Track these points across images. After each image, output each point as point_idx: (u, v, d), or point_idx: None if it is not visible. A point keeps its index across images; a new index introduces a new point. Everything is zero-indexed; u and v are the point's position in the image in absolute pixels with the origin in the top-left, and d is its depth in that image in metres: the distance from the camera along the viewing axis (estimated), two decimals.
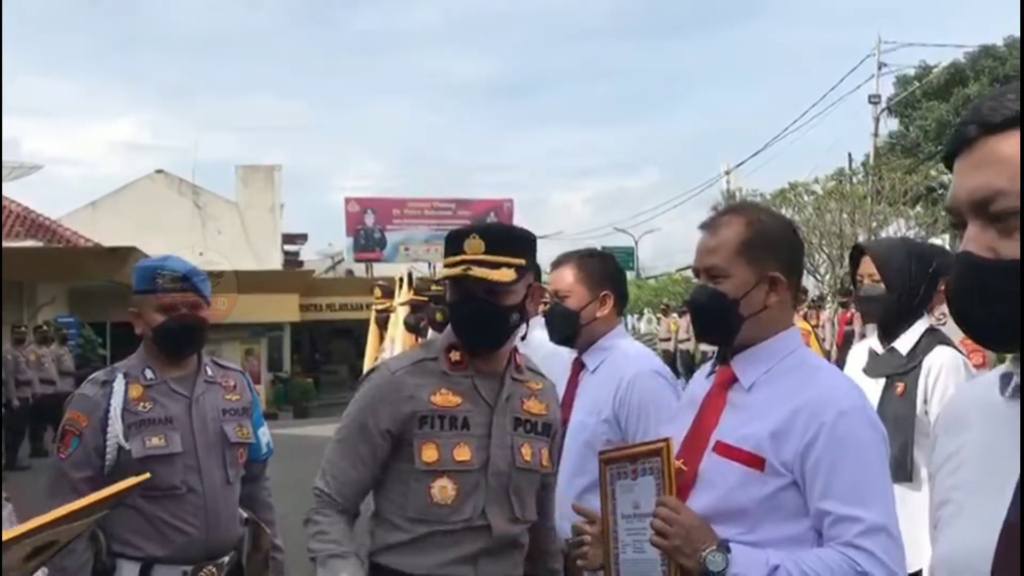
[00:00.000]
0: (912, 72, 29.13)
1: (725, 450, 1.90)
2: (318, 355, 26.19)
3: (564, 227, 68.22)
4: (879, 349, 3.02)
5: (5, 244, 16.59)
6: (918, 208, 23.25)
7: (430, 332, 5.80)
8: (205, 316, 2.86)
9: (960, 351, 2.93)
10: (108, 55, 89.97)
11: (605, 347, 2.88)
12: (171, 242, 25.03)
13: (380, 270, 27.28)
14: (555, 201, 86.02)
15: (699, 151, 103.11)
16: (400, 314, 6.95)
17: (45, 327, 14.40)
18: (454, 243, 2.23)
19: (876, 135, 27.15)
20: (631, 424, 2.69)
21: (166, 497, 2.67)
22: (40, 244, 17.76)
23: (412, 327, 6.22)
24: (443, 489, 2.14)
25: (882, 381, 2.92)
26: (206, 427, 2.79)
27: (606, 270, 2.94)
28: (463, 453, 2.17)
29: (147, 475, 1.81)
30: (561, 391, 2.89)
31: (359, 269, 30.80)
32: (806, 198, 20.67)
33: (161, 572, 2.67)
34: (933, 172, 26.80)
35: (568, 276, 2.89)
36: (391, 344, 7.37)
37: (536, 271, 3.66)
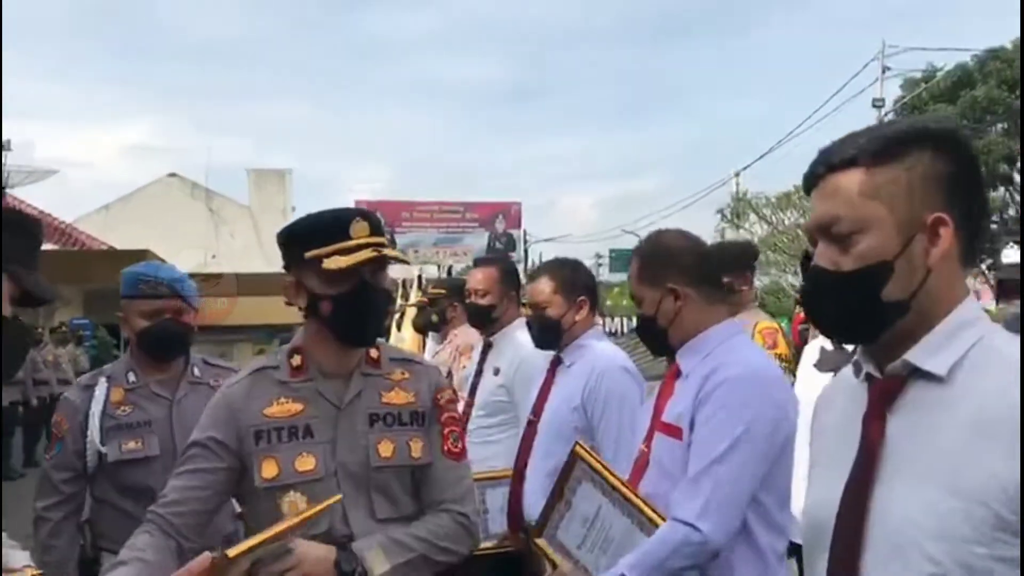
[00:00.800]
0: (919, 75, 29.11)
1: (663, 428, 2.25)
2: None
3: (571, 230, 68.51)
4: (829, 346, 3.26)
5: None
6: None
7: (430, 333, 6.04)
8: (188, 321, 2.88)
9: None
10: (118, 60, 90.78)
11: (582, 345, 3.12)
12: (184, 245, 25.38)
13: (389, 272, 27.52)
14: (562, 204, 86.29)
15: (705, 155, 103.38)
16: (409, 315, 7.15)
17: (63, 328, 14.78)
18: (337, 228, 2.01)
19: None
20: (596, 412, 2.94)
21: (145, 498, 2.57)
22: (56, 247, 18.09)
23: (420, 328, 6.43)
24: (292, 504, 1.97)
25: (830, 375, 3.16)
26: (186, 429, 2.60)
27: (580, 278, 3.21)
28: (306, 463, 2.00)
29: (339, 496, 1.91)
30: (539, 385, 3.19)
31: None
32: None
33: None
34: None
35: (546, 287, 3.14)
36: (399, 345, 7.59)
37: (516, 279, 3.92)
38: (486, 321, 3.81)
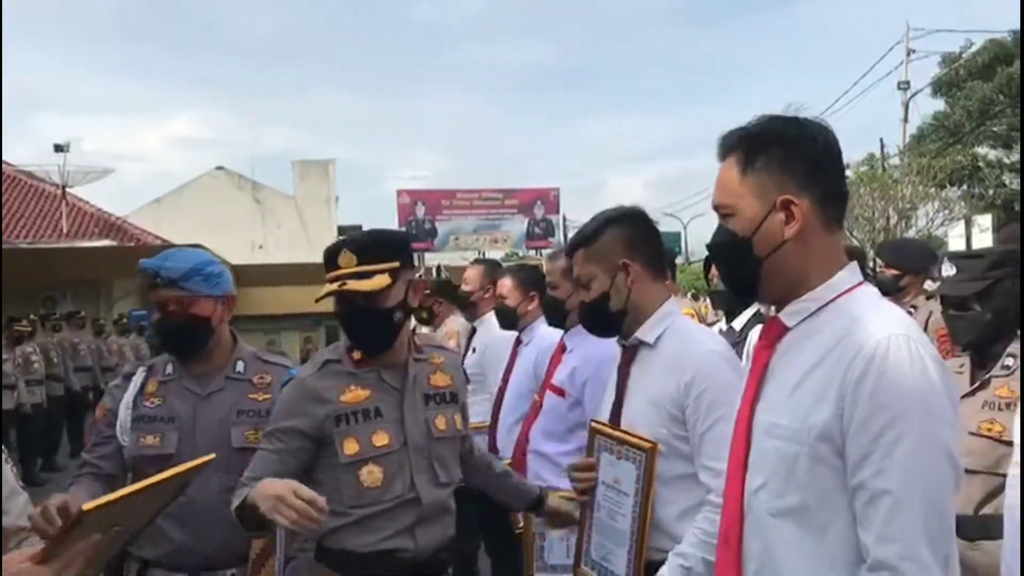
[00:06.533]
0: (957, 51, 28.87)
1: (552, 388, 3.19)
2: None
3: None
4: (724, 327, 3.99)
5: (83, 244, 17.94)
6: (950, 189, 23.32)
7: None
8: (199, 313, 2.61)
9: None
10: (168, 54, 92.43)
11: (533, 327, 4.03)
12: (232, 237, 26.28)
13: (431, 260, 28.33)
14: (613, 185, 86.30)
15: None
16: None
17: (123, 320, 15.86)
18: (330, 259, 2.34)
19: (906, 121, 27.17)
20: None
21: None
22: (113, 243, 19.01)
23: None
24: (371, 474, 2.29)
25: None
26: (211, 428, 2.59)
27: (533, 277, 4.13)
28: (381, 439, 2.32)
29: (212, 456, 1.82)
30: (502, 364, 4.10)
31: None
32: None
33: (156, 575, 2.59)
34: (981, 150, 26.75)
35: (508, 283, 4.16)
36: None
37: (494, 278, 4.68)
38: (467, 306, 4.95)
